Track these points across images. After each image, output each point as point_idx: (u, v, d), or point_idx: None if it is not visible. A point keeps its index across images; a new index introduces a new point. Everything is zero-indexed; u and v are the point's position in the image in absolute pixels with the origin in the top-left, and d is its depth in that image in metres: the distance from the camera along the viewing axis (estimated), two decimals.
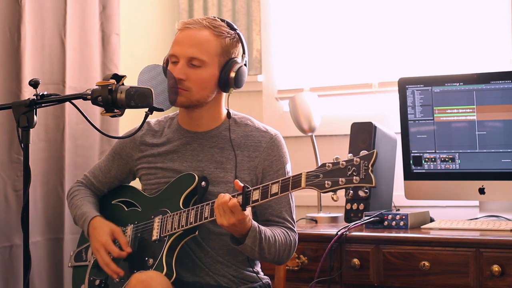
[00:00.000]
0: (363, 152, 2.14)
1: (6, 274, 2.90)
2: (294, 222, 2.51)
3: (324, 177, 2.17)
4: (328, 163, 2.17)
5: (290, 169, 2.54)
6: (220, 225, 2.29)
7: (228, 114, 2.51)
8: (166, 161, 2.55)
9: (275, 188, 2.25)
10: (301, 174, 2.21)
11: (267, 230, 2.38)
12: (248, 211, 2.29)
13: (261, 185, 2.28)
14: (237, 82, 2.47)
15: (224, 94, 2.55)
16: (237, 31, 2.52)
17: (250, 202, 2.27)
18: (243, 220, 2.27)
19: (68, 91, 3.10)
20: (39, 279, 3.01)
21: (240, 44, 2.51)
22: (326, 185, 2.16)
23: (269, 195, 2.26)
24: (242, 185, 2.28)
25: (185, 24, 2.49)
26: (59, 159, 3.10)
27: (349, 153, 3.11)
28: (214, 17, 2.53)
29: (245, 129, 2.54)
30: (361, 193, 2.17)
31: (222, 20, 2.52)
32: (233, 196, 2.28)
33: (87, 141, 3.20)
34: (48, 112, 3.03)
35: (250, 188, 2.28)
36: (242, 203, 2.26)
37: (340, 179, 2.14)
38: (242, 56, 2.52)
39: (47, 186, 3.07)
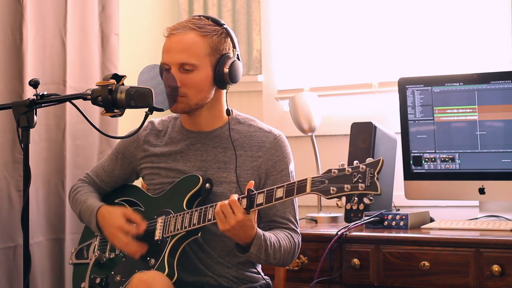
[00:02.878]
0: (369, 160, 2.14)
1: (10, 275, 2.90)
2: (298, 223, 2.51)
3: (330, 183, 2.17)
4: (334, 169, 2.17)
5: (294, 169, 2.54)
6: (223, 231, 2.28)
7: (228, 111, 2.51)
8: (170, 161, 2.55)
9: (280, 193, 2.25)
10: (306, 179, 2.21)
11: (271, 236, 2.37)
12: (253, 217, 2.28)
13: (266, 189, 2.27)
14: (232, 77, 2.47)
15: (224, 93, 2.54)
16: (224, 26, 2.49)
17: (255, 205, 2.26)
18: (243, 223, 2.25)
19: (69, 91, 3.10)
20: (42, 280, 3.01)
21: (229, 39, 2.49)
22: (331, 191, 2.16)
23: (273, 199, 2.25)
24: (248, 188, 2.27)
25: (171, 30, 2.48)
26: (60, 159, 3.10)
27: (349, 153, 3.11)
28: (199, 16, 2.51)
29: (249, 129, 2.54)
30: (366, 201, 2.16)
31: (207, 18, 2.50)
32: (238, 200, 2.27)
33: (86, 141, 3.20)
34: (49, 112, 3.03)
35: (255, 192, 2.28)
36: (247, 206, 2.25)
37: (345, 185, 2.14)
38: (233, 50, 2.50)
39: (48, 186, 3.07)
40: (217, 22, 2.50)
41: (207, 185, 2.46)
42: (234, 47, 2.49)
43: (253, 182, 2.30)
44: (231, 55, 2.48)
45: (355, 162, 2.16)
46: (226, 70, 2.45)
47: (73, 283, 2.66)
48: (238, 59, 2.50)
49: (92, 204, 2.58)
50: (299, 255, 2.85)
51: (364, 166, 2.13)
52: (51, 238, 3.07)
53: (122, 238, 2.46)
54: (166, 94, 2.41)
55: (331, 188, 2.16)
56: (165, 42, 2.49)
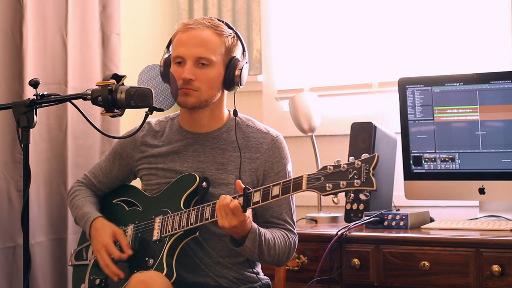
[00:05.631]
0: (365, 155, 2.14)
1: (10, 275, 2.90)
2: (294, 224, 2.51)
3: (325, 180, 2.17)
4: (330, 165, 2.17)
5: (291, 169, 2.54)
6: (221, 226, 2.29)
7: (235, 112, 2.51)
8: (167, 162, 2.55)
9: (276, 190, 2.25)
10: (302, 176, 2.21)
11: (267, 232, 2.38)
12: (249, 213, 2.29)
13: (262, 187, 2.28)
14: (241, 80, 2.49)
15: (226, 95, 2.55)
16: (235, 30, 2.53)
17: (251, 203, 2.27)
18: (244, 222, 2.28)
19: (70, 91, 3.10)
20: (43, 280, 3.01)
21: (239, 43, 2.53)
22: (327, 188, 2.16)
23: (270, 197, 2.26)
24: (244, 186, 2.28)
25: (187, 25, 2.49)
26: (62, 159, 3.10)
27: (349, 153, 3.11)
28: (211, 18, 2.54)
29: (247, 130, 2.54)
30: (362, 196, 2.17)
31: (220, 20, 2.54)
32: (234, 198, 2.28)
33: (87, 141, 3.20)
34: (50, 112, 3.03)
35: (251, 190, 2.28)
36: (243, 204, 2.26)
37: (341, 182, 2.14)
38: (242, 54, 2.53)
39: (50, 186, 3.07)
40: (229, 26, 2.54)
41: (204, 183, 2.46)
42: (244, 51, 2.53)
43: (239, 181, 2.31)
44: (241, 58, 2.50)
45: (351, 158, 2.17)
46: (237, 72, 2.48)
47: (73, 285, 2.66)
48: (247, 63, 2.53)
49: (88, 212, 2.57)
50: (299, 255, 2.86)
51: (359, 162, 2.13)
52: (53, 238, 3.07)
53: (104, 257, 2.46)
54: (173, 89, 2.41)
55: (327, 184, 2.16)
56: (180, 36, 2.50)
